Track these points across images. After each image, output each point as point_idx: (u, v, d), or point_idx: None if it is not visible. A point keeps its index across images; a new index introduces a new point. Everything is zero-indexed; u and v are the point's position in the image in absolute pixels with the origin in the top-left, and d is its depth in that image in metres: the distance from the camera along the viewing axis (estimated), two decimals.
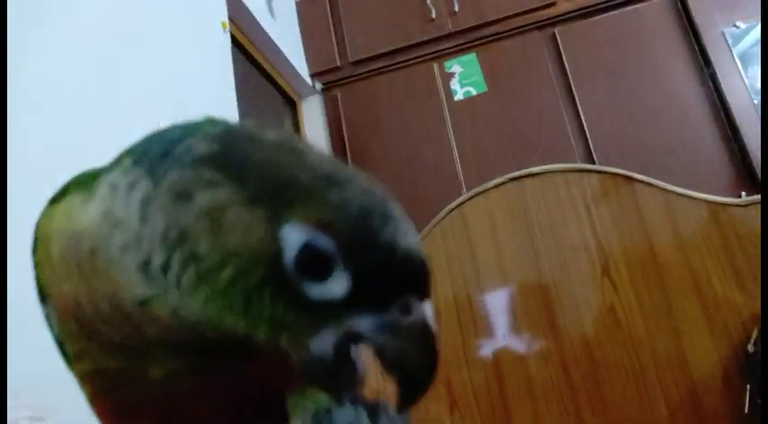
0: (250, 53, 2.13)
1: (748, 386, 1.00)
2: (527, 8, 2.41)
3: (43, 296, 0.33)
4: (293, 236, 0.23)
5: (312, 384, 0.28)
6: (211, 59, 1.68)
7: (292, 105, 2.51)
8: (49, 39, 1.09)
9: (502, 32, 2.44)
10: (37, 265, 0.32)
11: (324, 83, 2.54)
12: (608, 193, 1.20)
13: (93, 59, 1.18)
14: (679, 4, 2.26)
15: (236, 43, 1.96)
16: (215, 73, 1.67)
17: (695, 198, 1.15)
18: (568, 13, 2.39)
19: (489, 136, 2.33)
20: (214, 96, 1.59)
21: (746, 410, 0.99)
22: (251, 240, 0.24)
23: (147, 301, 0.27)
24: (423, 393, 0.27)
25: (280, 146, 0.26)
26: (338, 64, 2.52)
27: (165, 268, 0.25)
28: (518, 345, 1.24)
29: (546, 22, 2.40)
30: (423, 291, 0.25)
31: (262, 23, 2.08)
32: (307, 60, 2.54)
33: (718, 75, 2.10)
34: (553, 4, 2.41)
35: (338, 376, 0.26)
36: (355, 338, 0.25)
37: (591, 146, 2.21)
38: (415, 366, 0.26)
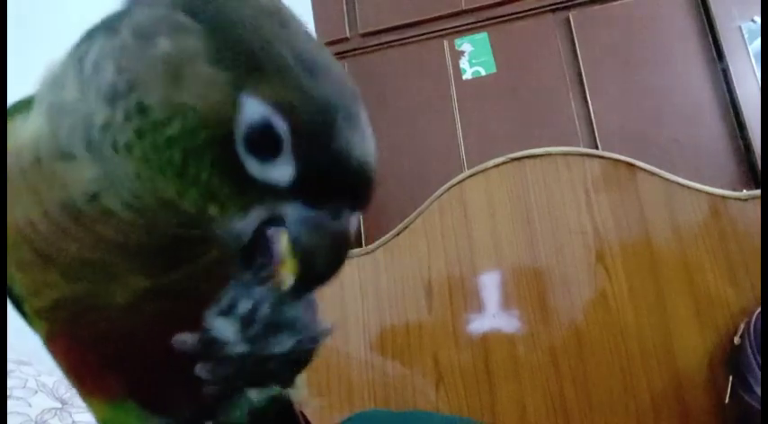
0: None
1: (731, 377, 1.01)
2: None
3: None
4: (252, 108, 0.22)
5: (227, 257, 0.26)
6: None
7: None
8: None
9: (515, 13, 2.40)
10: None
11: (332, 54, 2.51)
12: (608, 179, 1.19)
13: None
14: None
15: None
16: None
17: (696, 190, 1.14)
18: None
19: (495, 118, 2.31)
20: None
21: (726, 400, 1.00)
22: (208, 99, 0.22)
23: (97, 194, 0.25)
24: (317, 288, 0.27)
25: (266, 10, 0.24)
26: (347, 35, 2.49)
27: (107, 127, 0.23)
28: (507, 325, 1.25)
29: (561, 5, 2.36)
30: (358, 203, 0.25)
31: None
32: (316, 30, 2.50)
33: (731, 71, 2.07)
34: None
35: (252, 257, 0.25)
36: (277, 222, 0.25)
37: (596, 134, 2.19)
38: (321, 265, 0.26)
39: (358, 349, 1.27)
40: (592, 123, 2.21)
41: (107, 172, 0.24)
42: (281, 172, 0.23)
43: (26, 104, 0.28)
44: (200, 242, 0.27)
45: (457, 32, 2.42)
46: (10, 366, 0.58)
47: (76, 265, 0.28)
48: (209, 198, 0.24)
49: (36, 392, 0.52)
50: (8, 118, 0.29)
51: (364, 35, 2.46)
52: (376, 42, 2.47)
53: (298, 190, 0.24)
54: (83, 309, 0.30)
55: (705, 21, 2.16)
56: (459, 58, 2.40)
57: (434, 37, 2.43)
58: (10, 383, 0.51)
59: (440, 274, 1.27)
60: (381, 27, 2.45)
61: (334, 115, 0.24)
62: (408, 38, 2.44)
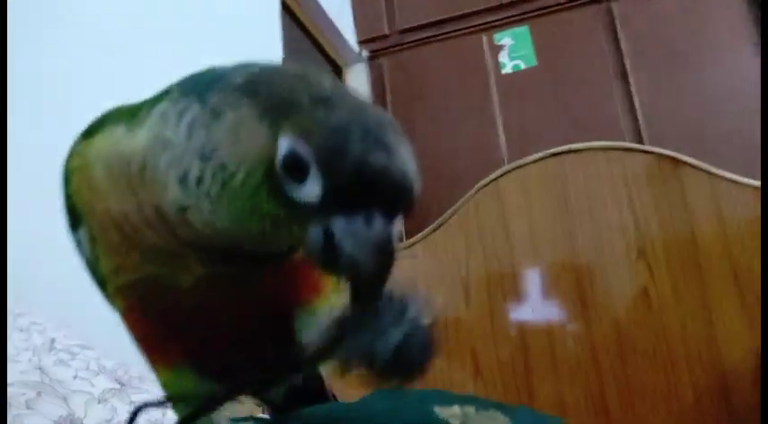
0: (298, 17, 2.14)
1: None
2: None
3: (76, 224, 0.37)
4: (283, 143, 0.28)
5: (317, 264, 0.30)
6: (259, 22, 1.71)
7: (338, 71, 2.52)
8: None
9: (556, 5, 2.37)
10: (70, 195, 0.37)
11: (370, 51, 2.53)
12: (651, 174, 1.17)
13: (136, 22, 1.22)
14: None
15: (284, 6, 1.97)
16: (262, 35, 1.69)
17: (742, 184, 1.11)
18: None
19: (536, 112, 2.29)
20: (260, 59, 1.61)
21: None
22: (257, 147, 0.29)
23: (185, 208, 0.32)
24: (370, 302, 0.31)
25: (298, 76, 0.31)
26: (386, 32, 2.50)
27: (200, 180, 0.30)
28: (546, 321, 1.24)
29: None
30: (390, 209, 0.28)
31: None
32: (355, 27, 2.53)
33: None
34: None
35: (332, 255, 0.29)
36: (331, 235, 0.29)
37: (641, 128, 2.14)
38: (363, 274, 0.28)
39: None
40: (637, 117, 2.16)
41: (198, 208, 0.31)
42: (313, 188, 0.28)
43: (129, 114, 0.35)
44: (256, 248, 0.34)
45: (496, 26, 2.40)
46: (75, 349, 0.63)
47: (153, 251, 0.35)
48: (277, 224, 0.30)
49: (98, 373, 0.56)
50: (110, 121, 0.36)
51: (403, 32, 2.47)
52: (414, 38, 2.48)
53: (331, 203, 0.28)
54: (154, 288, 0.36)
55: (757, 6, 2.08)
56: (499, 53, 2.38)
57: (473, 31, 2.42)
58: (75, 364, 0.56)
59: (477, 269, 1.28)
60: (420, 23, 2.45)
61: (346, 135, 0.28)
62: (447, 33, 2.44)
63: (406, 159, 0.29)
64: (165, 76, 0.36)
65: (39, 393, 0.48)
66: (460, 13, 2.46)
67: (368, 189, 0.28)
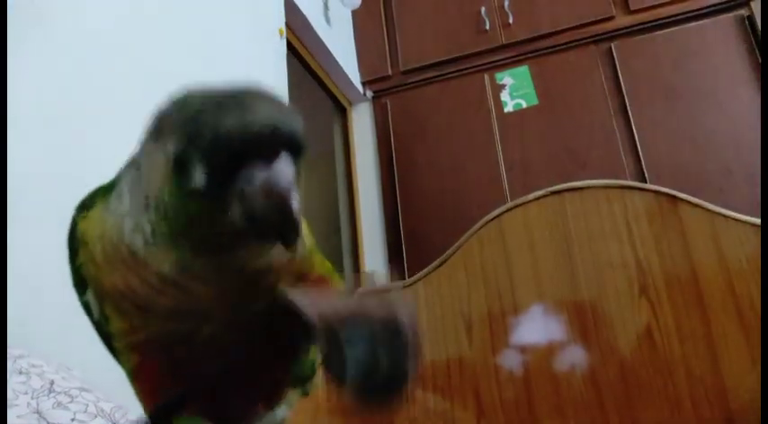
0: (304, 59, 2.21)
1: None
2: (584, 21, 2.38)
3: (83, 288, 0.38)
4: (169, 150, 0.29)
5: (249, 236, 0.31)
6: (267, 64, 1.76)
7: (342, 111, 2.58)
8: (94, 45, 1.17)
9: (556, 45, 2.42)
10: (78, 268, 0.37)
11: (374, 91, 2.59)
12: (650, 211, 1.18)
13: (150, 62, 1.26)
14: (746, 21, 2.18)
15: (291, 49, 2.03)
16: (270, 77, 1.74)
17: (741, 221, 1.11)
18: (627, 27, 2.34)
19: (538, 150, 2.31)
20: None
21: None
22: (160, 169, 0.30)
23: (188, 265, 0.32)
24: (292, 240, 0.29)
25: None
26: (389, 72, 2.57)
27: (153, 232, 0.32)
28: (549, 360, 1.23)
29: (603, 36, 2.37)
30: (267, 155, 0.28)
31: (317, 31, 2.15)
32: (359, 68, 2.60)
33: None
34: (611, 18, 2.37)
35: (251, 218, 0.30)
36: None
37: (643, 165, 2.16)
38: (268, 223, 0.28)
39: None
40: (638, 154, 2.18)
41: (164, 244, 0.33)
42: (199, 176, 0.29)
43: (105, 191, 0.37)
44: (259, 280, 0.35)
45: (497, 66, 2.46)
46: (74, 391, 0.63)
47: (172, 312, 0.35)
48: (206, 221, 0.30)
49: (96, 416, 0.56)
50: (98, 198, 0.37)
51: (405, 72, 2.53)
52: (417, 79, 2.53)
53: (217, 181, 0.29)
54: (174, 341, 0.36)
55: (755, 47, 2.12)
56: (500, 92, 2.43)
57: (475, 71, 2.48)
58: (73, 407, 0.56)
59: (480, 308, 1.27)
60: (422, 64, 2.52)
61: (201, 116, 0.29)
62: (449, 73, 2.49)
63: (267, 108, 0.29)
64: None
65: None
66: (461, 54, 2.52)
67: (231, 150, 0.28)
